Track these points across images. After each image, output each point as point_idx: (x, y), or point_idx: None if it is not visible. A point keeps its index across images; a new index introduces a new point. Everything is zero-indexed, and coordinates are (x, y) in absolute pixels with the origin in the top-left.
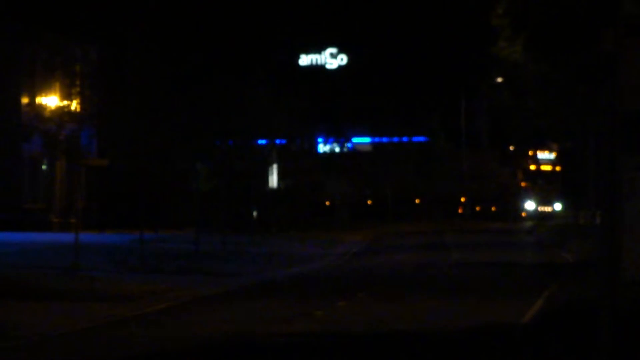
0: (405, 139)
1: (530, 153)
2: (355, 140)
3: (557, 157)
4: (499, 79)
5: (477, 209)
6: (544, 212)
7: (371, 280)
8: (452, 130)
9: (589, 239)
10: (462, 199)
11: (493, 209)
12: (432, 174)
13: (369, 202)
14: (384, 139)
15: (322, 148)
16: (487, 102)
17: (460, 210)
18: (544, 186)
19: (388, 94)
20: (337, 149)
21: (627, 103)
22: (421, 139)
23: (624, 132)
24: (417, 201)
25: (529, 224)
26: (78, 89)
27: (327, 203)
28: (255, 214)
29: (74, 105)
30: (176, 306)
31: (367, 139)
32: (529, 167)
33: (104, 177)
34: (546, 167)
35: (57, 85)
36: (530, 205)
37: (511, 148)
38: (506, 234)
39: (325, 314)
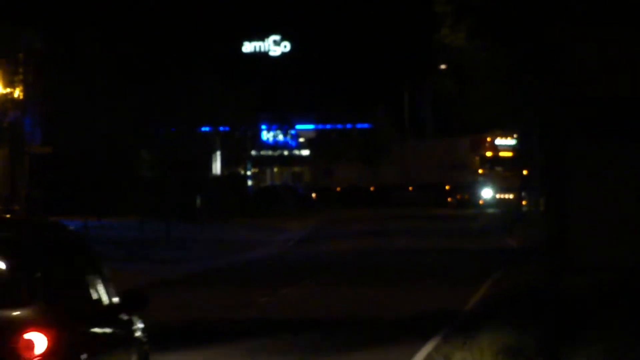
0: (349, 126)
1: (488, 139)
2: (299, 127)
3: (518, 143)
4: (443, 66)
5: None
6: (504, 200)
7: (315, 268)
8: (397, 118)
9: (534, 225)
10: (446, 189)
11: (449, 199)
12: (377, 161)
13: (313, 193)
14: (328, 126)
15: (266, 135)
16: (432, 91)
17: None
18: (503, 173)
19: (332, 82)
20: (280, 136)
21: (572, 90)
22: (365, 126)
23: (568, 119)
24: (371, 189)
25: (473, 211)
26: (21, 77)
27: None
28: (199, 201)
29: (17, 92)
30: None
31: (311, 126)
32: (485, 154)
33: (48, 165)
34: (506, 154)
35: (0, 73)
36: (487, 192)
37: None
38: (453, 220)
39: (269, 301)
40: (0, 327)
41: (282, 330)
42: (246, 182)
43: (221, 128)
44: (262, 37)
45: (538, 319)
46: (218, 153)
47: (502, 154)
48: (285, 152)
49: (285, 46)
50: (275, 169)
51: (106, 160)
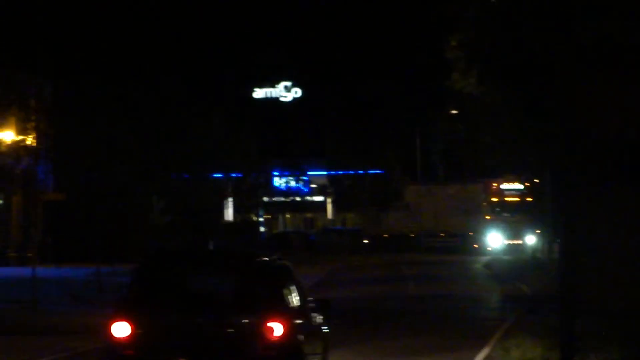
0: (361, 171)
1: (494, 185)
2: (311, 173)
3: (526, 188)
4: (454, 111)
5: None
6: (513, 245)
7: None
8: (408, 163)
9: (547, 272)
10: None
11: (475, 245)
12: (389, 207)
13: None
14: (340, 172)
15: (278, 181)
16: (442, 136)
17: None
18: (511, 218)
19: (343, 127)
20: (292, 182)
21: (582, 134)
22: (377, 171)
23: (578, 164)
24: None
25: (488, 257)
26: (33, 124)
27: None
28: (211, 247)
29: (30, 139)
30: None
31: (322, 172)
32: (491, 200)
33: (61, 211)
34: (512, 199)
35: (13, 120)
36: (494, 238)
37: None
38: (465, 267)
39: None
40: (254, 320)
41: None
42: (258, 228)
43: (233, 174)
44: (273, 83)
45: None
46: (230, 199)
47: (508, 199)
48: (298, 198)
49: (297, 92)
50: (288, 215)
51: (118, 207)
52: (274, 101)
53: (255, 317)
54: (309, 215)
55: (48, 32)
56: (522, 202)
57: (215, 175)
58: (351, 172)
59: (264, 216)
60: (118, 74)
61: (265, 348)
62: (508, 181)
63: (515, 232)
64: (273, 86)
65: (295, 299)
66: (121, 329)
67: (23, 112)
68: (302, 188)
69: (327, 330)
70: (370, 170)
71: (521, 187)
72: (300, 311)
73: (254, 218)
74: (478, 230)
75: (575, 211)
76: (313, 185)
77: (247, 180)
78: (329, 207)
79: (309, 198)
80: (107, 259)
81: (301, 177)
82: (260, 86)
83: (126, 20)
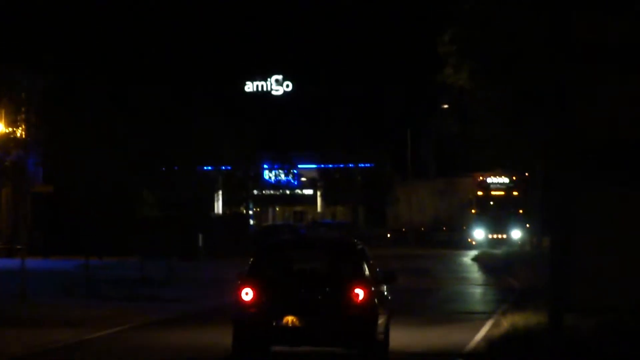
0: (351, 165)
1: (480, 178)
2: (301, 166)
3: (512, 182)
4: (445, 106)
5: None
6: (496, 239)
7: None
8: (399, 158)
9: (535, 266)
10: (422, 228)
11: (470, 240)
12: (379, 200)
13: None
14: (330, 166)
15: (268, 174)
16: (434, 130)
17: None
18: (496, 212)
19: (334, 121)
20: (282, 176)
21: (577, 130)
22: (367, 165)
23: (572, 160)
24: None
25: (475, 252)
26: (23, 116)
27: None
28: (201, 240)
29: (20, 132)
30: (122, 332)
31: (313, 165)
32: (476, 194)
33: (50, 204)
34: (498, 193)
35: (3, 112)
36: (479, 233)
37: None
38: (452, 261)
39: None
40: (344, 287)
41: None
42: (248, 222)
43: (223, 167)
44: (264, 77)
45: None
46: (220, 192)
47: (494, 193)
48: (287, 191)
49: (288, 85)
50: (277, 208)
51: (108, 200)
52: (265, 95)
53: (344, 285)
54: (298, 208)
55: (40, 27)
56: (508, 196)
57: (205, 168)
58: (341, 165)
59: (254, 209)
60: (108, 67)
61: (352, 307)
62: (494, 175)
63: (500, 226)
64: (264, 80)
65: (369, 272)
66: (247, 294)
67: (13, 105)
68: (292, 181)
69: (389, 296)
70: (360, 164)
71: (507, 181)
72: (373, 281)
73: (244, 211)
74: (466, 225)
75: (567, 206)
76: (303, 179)
77: (237, 173)
78: (319, 201)
79: (298, 191)
80: (96, 252)
81: (291, 170)
82: (252, 80)
83: (117, 14)
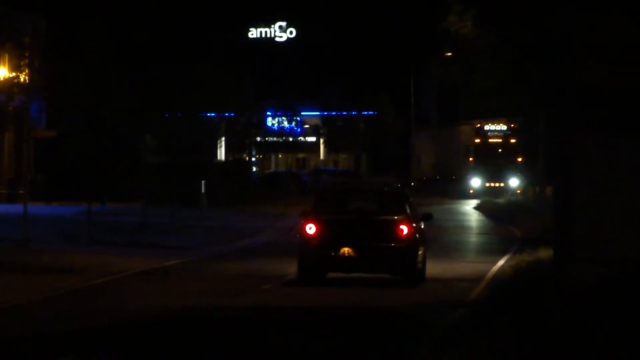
0: (354, 113)
1: (478, 126)
2: (304, 113)
3: (510, 130)
4: (449, 54)
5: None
6: (493, 188)
7: None
8: (401, 106)
9: (538, 216)
10: (424, 178)
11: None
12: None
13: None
14: (333, 113)
15: (271, 121)
16: (437, 78)
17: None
18: (493, 160)
19: (337, 68)
20: (285, 123)
21: (581, 78)
22: (370, 113)
23: (577, 109)
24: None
25: (477, 200)
26: (27, 61)
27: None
28: (203, 187)
29: (23, 77)
30: (123, 279)
31: (316, 113)
32: (474, 141)
33: (53, 149)
34: (496, 140)
35: (6, 57)
36: (476, 181)
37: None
38: (457, 210)
39: (273, 288)
40: (391, 223)
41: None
42: (250, 169)
43: (226, 114)
44: (268, 23)
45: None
46: (223, 139)
47: (491, 140)
48: (290, 139)
49: (292, 32)
50: (280, 156)
51: (111, 146)
52: (269, 41)
53: (391, 222)
54: (301, 155)
55: None
56: (506, 143)
57: (208, 114)
58: (344, 113)
59: (257, 156)
60: (111, 11)
61: (398, 239)
62: (492, 122)
63: (497, 174)
64: (268, 26)
65: (410, 211)
66: (310, 229)
67: (17, 49)
68: (295, 128)
69: (425, 233)
70: (363, 111)
71: (505, 128)
72: (414, 219)
73: (246, 158)
74: (463, 173)
75: (569, 156)
76: (306, 126)
77: (240, 119)
78: (322, 148)
79: (301, 138)
80: (99, 198)
81: (294, 118)
82: (256, 26)
83: None
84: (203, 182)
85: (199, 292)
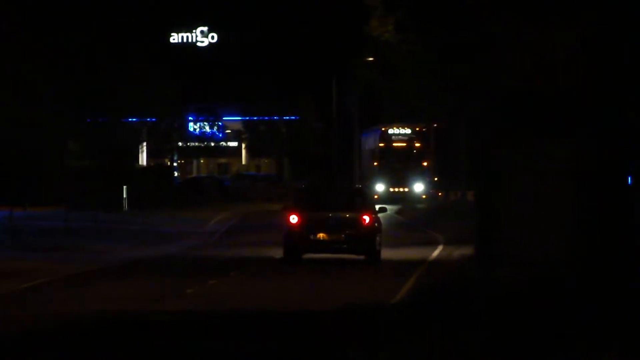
0: (276, 117)
1: (382, 129)
2: (226, 118)
3: (416, 133)
4: (370, 59)
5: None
6: (396, 193)
7: (242, 259)
8: (324, 109)
9: (459, 219)
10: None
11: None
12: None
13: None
14: (255, 118)
15: (193, 126)
16: (359, 82)
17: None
18: (396, 165)
19: (259, 73)
20: (207, 128)
21: (504, 81)
22: (292, 118)
23: (498, 111)
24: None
25: (399, 205)
26: None
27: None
28: (125, 191)
29: None
30: (46, 283)
31: (238, 118)
32: (378, 145)
33: None
34: (400, 144)
35: None
36: (380, 186)
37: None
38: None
39: (196, 292)
40: (356, 214)
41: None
42: (172, 173)
43: (148, 119)
44: (189, 28)
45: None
46: (145, 144)
47: (396, 144)
48: (212, 144)
49: (213, 37)
50: (202, 160)
51: (32, 150)
52: (190, 46)
53: (357, 212)
54: (223, 160)
55: None
56: (410, 147)
57: (130, 119)
58: (266, 118)
59: (178, 161)
60: (37, 13)
61: (361, 227)
62: (397, 126)
63: (401, 179)
64: (190, 31)
65: (370, 206)
66: (293, 218)
67: None
68: (217, 133)
69: (380, 222)
70: (285, 116)
71: (409, 131)
72: (373, 211)
73: (168, 163)
74: (369, 178)
75: (491, 157)
76: (228, 131)
77: (161, 124)
78: (244, 153)
79: (223, 143)
80: (21, 202)
81: (216, 123)
82: (178, 31)
83: None
84: (125, 187)
85: (124, 297)
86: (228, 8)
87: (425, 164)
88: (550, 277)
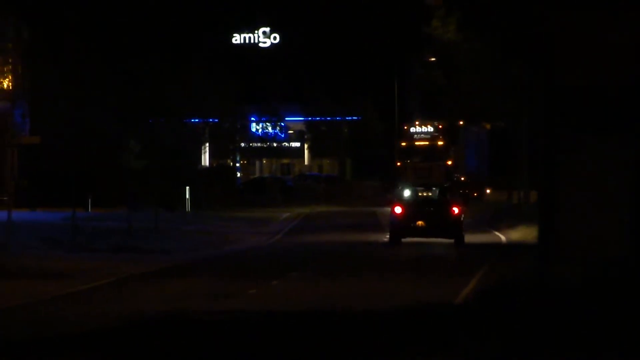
0: (338, 118)
1: (405, 128)
2: (289, 119)
3: (438, 131)
4: (432, 59)
5: None
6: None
7: (303, 259)
8: (385, 110)
9: (523, 219)
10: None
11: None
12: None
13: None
14: (317, 118)
15: (255, 127)
16: (420, 82)
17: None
18: (419, 164)
19: (321, 73)
20: (269, 128)
21: (564, 79)
22: (354, 118)
23: (561, 109)
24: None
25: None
26: (10, 67)
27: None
28: (187, 192)
29: (7, 83)
30: (109, 284)
31: (300, 118)
32: (400, 144)
33: (37, 155)
34: (422, 143)
35: None
36: (404, 186)
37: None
38: None
39: (258, 292)
40: (448, 206)
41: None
42: (234, 174)
43: (210, 119)
44: (251, 29)
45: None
46: (207, 144)
47: (418, 143)
48: (274, 144)
49: (275, 38)
50: (264, 161)
51: (95, 151)
52: (252, 47)
53: (447, 205)
54: (285, 161)
55: None
56: (432, 146)
57: (192, 120)
58: (328, 118)
59: (241, 162)
60: (93, 17)
61: (451, 217)
62: (419, 124)
63: (422, 179)
64: (252, 32)
65: (458, 198)
66: (398, 209)
67: (0, 56)
68: (279, 134)
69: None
70: (347, 116)
71: (431, 130)
72: (460, 203)
73: (230, 163)
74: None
75: (553, 157)
76: (290, 132)
77: (223, 125)
78: (306, 153)
79: (285, 144)
80: (83, 204)
81: (278, 123)
82: (240, 32)
83: None
84: (187, 187)
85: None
86: (290, 9)
87: (449, 162)
88: (610, 276)
